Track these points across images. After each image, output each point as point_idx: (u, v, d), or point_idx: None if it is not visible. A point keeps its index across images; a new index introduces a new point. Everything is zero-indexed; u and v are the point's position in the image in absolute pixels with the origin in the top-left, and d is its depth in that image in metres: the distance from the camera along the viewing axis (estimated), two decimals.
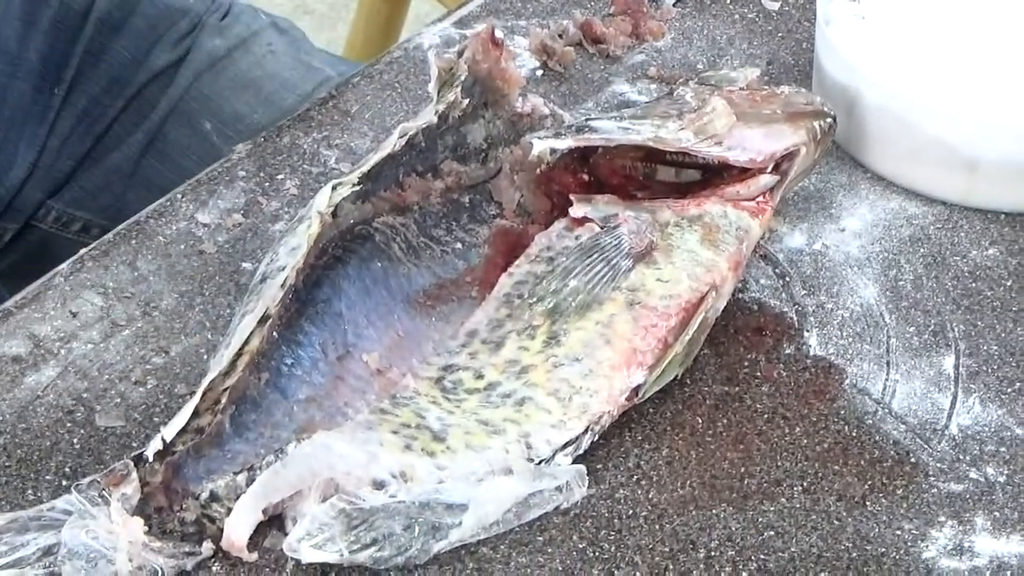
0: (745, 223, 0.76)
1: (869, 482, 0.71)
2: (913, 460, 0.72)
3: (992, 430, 0.73)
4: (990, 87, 0.85)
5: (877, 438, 0.73)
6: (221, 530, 0.66)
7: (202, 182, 0.84)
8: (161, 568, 0.65)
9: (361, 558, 0.65)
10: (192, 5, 1.08)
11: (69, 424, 0.72)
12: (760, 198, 0.77)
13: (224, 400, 0.69)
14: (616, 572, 0.67)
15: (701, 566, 0.67)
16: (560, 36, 0.93)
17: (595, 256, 0.74)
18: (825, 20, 0.87)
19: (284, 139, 0.87)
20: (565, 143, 0.76)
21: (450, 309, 0.76)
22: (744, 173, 0.77)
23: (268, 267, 0.73)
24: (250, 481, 0.67)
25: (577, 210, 0.76)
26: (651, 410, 0.74)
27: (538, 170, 0.77)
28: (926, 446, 0.73)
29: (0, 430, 0.71)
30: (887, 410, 0.74)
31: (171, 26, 1.07)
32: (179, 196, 0.83)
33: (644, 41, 0.93)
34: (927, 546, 0.69)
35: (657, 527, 0.69)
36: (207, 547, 0.66)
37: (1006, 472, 0.72)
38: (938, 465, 0.72)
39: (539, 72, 0.91)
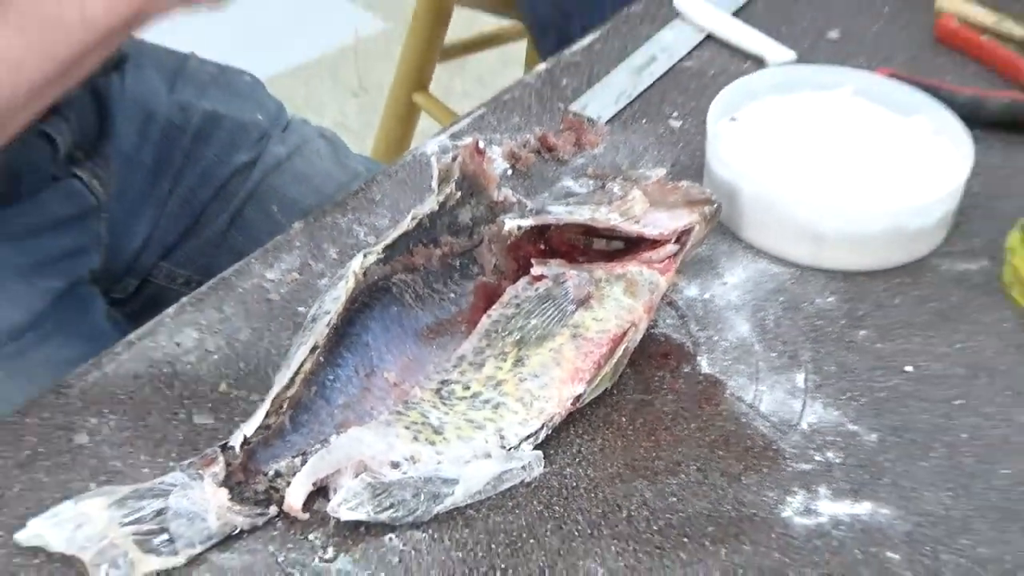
0: (655, 279, 0.76)
1: (744, 463, 0.72)
2: (775, 447, 0.72)
3: (831, 426, 0.74)
4: (830, 181, 0.86)
5: (749, 432, 0.73)
6: (283, 498, 0.67)
7: (269, 250, 0.84)
8: (240, 525, 0.66)
9: (383, 517, 0.66)
10: (261, 121, 1.08)
11: (175, 423, 0.72)
12: (666, 261, 0.77)
13: (285, 406, 0.70)
14: (563, 527, 0.68)
15: (624, 522, 0.68)
16: (524, 146, 0.93)
17: (549, 303, 0.75)
18: (712, 134, 0.88)
19: (328, 219, 0.87)
20: (528, 222, 0.77)
21: (446, 340, 0.76)
22: (655, 244, 0.77)
23: (316, 311, 0.74)
24: (303, 463, 0.67)
25: (536, 270, 0.76)
26: (589, 412, 0.74)
27: (509, 241, 0.77)
28: (784, 437, 0.73)
29: (129, 425, 0.72)
30: (756, 412, 0.75)
31: (246, 136, 1.07)
32: (253, 260, 0.83)
33: (584, 149, 0.93)
34: (784, 509, 0.69)
35: (593, 495, 0.69)
36: (273, 510, 0.67)
37: (841, 456, 0.72)
38: (792, 451, 0.72)
39: (509, 172, 0.91)
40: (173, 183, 1.05)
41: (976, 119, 0.91)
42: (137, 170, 1.03)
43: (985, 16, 1.03)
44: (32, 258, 0.94)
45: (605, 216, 0.77)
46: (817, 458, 0.72)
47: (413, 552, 0.66)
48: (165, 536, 0.64)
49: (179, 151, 1.05)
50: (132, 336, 0.77)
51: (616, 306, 0.75)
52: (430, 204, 0.79)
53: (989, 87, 0.97)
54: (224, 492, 0.66)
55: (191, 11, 0.81)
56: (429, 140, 0.94)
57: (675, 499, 0.69)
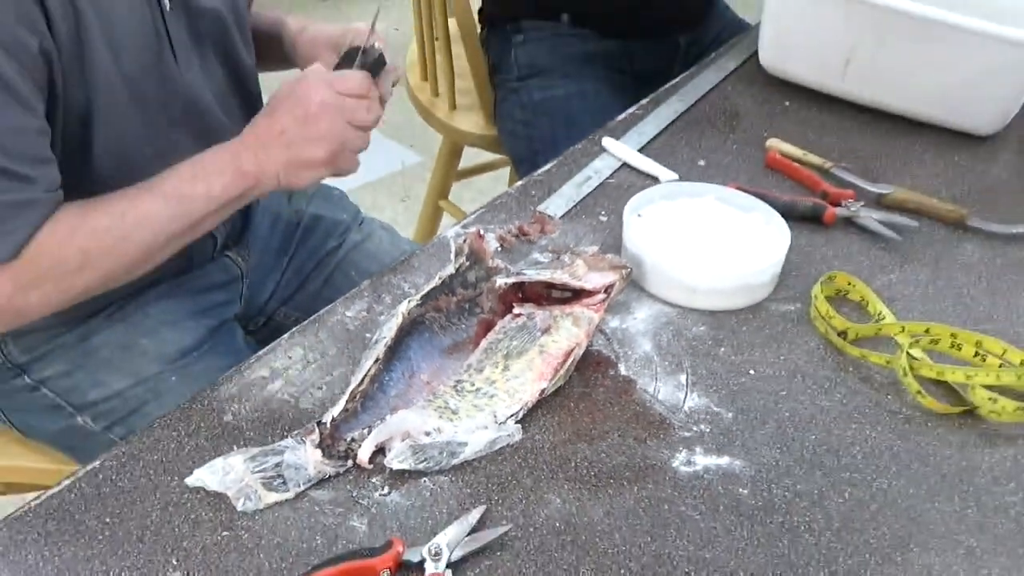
0: (592, 316, 0.76)
1: (648, 431, 0.71)
2: (668, 421, 0.72)
3: (703, 408, 0.74)
4: (701, 254, 0.86)
5: (651, 411, 0.73)
6: (356, 455, 0.67)
7: (347, 298, 0.84)
8: (328, 472, 0.66)
9: (420, 467, 0.66)
10: (345, 219, 1.08)
11: (286, 408, 0.72)
12: (598, 304, 0.77)
13: (358, 396, 0.70)
14: (534, 473, 0.68)
15: (572, 470, 0.68)
16: (508, 232, 0.92)
17: (524, 331, 0.75)
18: (627, 225, 0.88)
19: (385, 279, 0.86)
20: (511, 280, 0.77)
21: (460, 355, 0.76)
22: (591, 293, 0.78)
23: (377, 336, 0.74)
24: (369, 432, 0.67)
25: (517, 310, 0.77)
26: (550, 399, 0.74)
27: (499, 292, 0.77)
28: (674, 415, 0.73)
29: (258, 409, 0.72)
30: (655, 399, 0.74)
31: (336, 229, 1.07)
32: (338, 304, 0.83)
33: (546, 234, 0.93)
34: (674, 461, 0.69)
35: (553, 453, 0.69)
36: (350, 463, 0.67)
37: (709, 428, 0.72)
38: (679, 424, 0.72)
39: (499, 248, 0.91)
40: (289, 260, 1.04)
41: (791, 215, 0.92)
42: (267, 252, 1.03)
43: (796, 151, 1.05)
44: (199, 306, 0.94)
45: (560, 276, 0.78)
46: (694, 428, 0.72)
47: (439, 489, 0.66)
48: (281, 480, 0.64)
49: (294, 240, 1.05)
50: (260, 353, 0.77)
51: (567, 333, 0.75)
52: (449, 269, 0.79)
53: (799, 195, 0.98)
54: (318, 451, 0.66)
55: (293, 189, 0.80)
56: (449, 229, 0.93)
57: (604, 455, 0.69)
